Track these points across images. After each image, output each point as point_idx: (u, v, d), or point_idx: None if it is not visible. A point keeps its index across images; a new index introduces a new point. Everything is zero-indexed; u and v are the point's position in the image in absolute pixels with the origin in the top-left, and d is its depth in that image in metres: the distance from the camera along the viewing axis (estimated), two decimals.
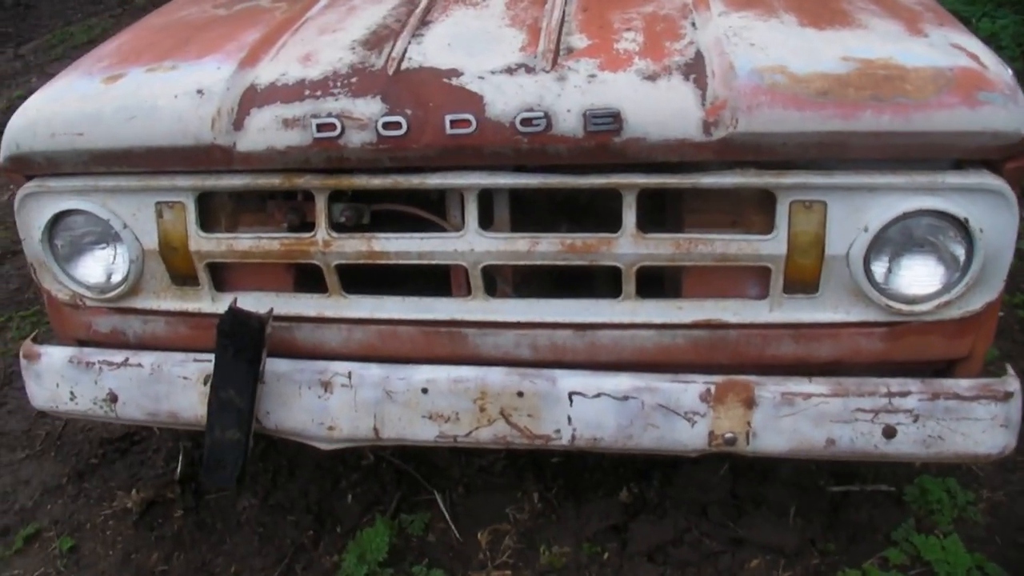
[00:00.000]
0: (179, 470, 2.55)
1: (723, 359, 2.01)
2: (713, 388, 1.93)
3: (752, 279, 1.98)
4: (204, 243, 2.05)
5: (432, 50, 1.98)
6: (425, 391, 2.01)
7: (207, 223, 2.07)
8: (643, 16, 2.06)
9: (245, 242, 2.04)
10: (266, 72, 1.99)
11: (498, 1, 2.22)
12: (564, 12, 2.08)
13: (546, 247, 1.93)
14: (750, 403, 1.93)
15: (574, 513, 2.30)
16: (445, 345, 2.08)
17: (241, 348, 1.97)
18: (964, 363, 1.99)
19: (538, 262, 1.96)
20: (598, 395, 1.98)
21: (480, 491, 2.41)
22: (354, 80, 1.92)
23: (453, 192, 1.99)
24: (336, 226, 2.00)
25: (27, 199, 2.10)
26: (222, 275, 2.14)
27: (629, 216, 1.89)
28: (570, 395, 1.98)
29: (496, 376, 2.00)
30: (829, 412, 1.91)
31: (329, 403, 2.05)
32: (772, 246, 1.87)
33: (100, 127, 1.97)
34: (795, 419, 1.93)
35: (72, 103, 2.03)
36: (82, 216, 2.10)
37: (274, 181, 1.97)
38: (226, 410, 2.02)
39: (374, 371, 2.03)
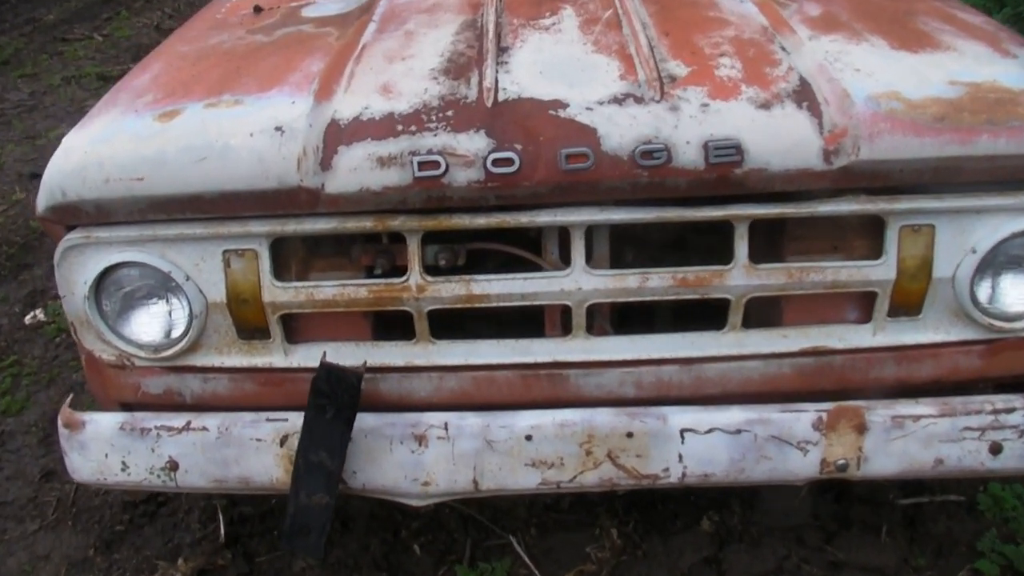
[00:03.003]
0: (222, 532, 2.35)
1: (827, 385, 1.99)
2: (825, 416, 1.91)
3: (852, 303, 1.97)
4: (280, 293, 1.89)
5: (525, 79, 1.88)
6: (529, 438, 1.90)
7: (278, 271, 1.91)
8: (729, 40, 2.02)
9: (327, 291, 1.89)
10: (346, 106, 1.85)
11: (570, 24, 2.13)
12: (648, 37, 2.02)
13: (657, 282, 1.86)
14: (861, 428, 1.91)
15: (661, 548, 2.24)
16: (545, 388, 1.98)
17: (340, 407, 1.82)
18: None
19: (647, 298, 1.89)
20: (710, 430, 1.92)
21: (554, 531, 2.32)
22: (450, 114, 1.80)
23: (551, 229, 1.90)
24: (429, 268, 1.87)
25: (70, 252, 1.89)
26: (293, 326, 1.98)
27: (741, 247, 1.84)
28: (682, 432, 1.92)
29: (604, 418, 1.92)
30: (937, 432, 1.92)
31: (424, 457, 1.93)
32: (881, 271, 1.86)
33: (164, 171, 1.79)
34: (905, 442, 1.92)
35: (126, 144, 1.83)
36: (136, 269, 1.90)
37: (365, 224, 1.83)
38: (314, 473, 1.87)
39: (473, 421, 1.91)
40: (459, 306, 1.89)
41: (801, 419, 1.92)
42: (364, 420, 1.92)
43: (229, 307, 1.91)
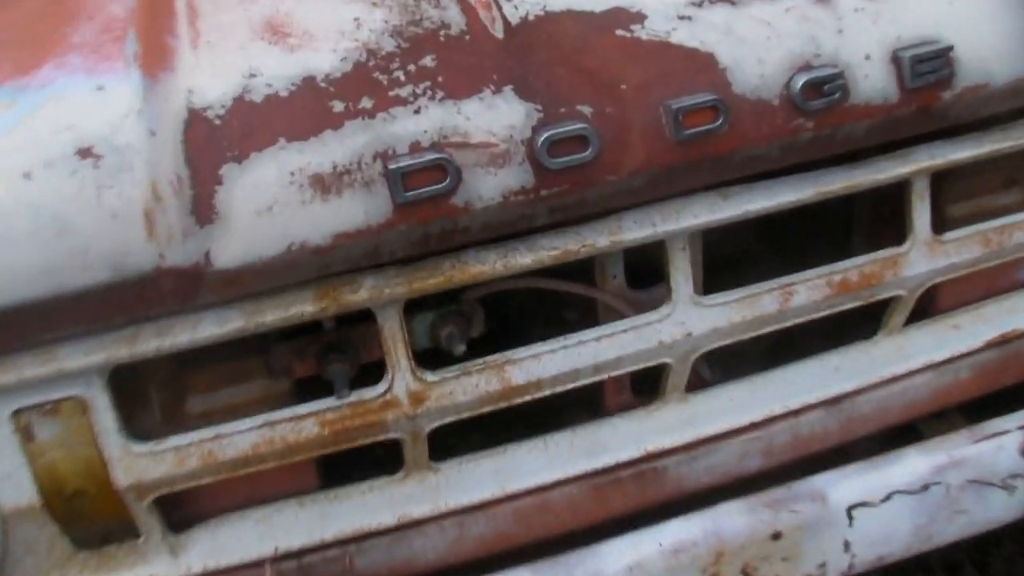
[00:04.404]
0: None
1: (1009, 379, 1.36)
2: None
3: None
4: (145, 465, 0.97)
5: None
6: None
7: (133, 420, 0.98)
8: None
9: (240, 440, 0.98)
10: (209, 77, 0.90)
11: None
12: None
13: (806, 297, 1.12)
14: None
15: None
16: (630, 495, 1.21)
17: None
18: None
19: (786, 325, 1.14)
20: (888, 497, 1.24)
21: None
22: (431, 62, 0.91)
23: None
24: (424, 356, 1.02)
25: None
26: (179, 501, 1.06)
27: (922, 215, 1.13)
28: (849, 511, 1.22)
29: (736, 521, 1.19)
30: None
31: None
32: None
33: None
34: None
35: None
36: None
37: (300, 309, 0.93)
38: None
39: None
40: (485, 411, 1.05)
41: (1005, 446, 1.28)
42: None
43: (49, 509, 0.96)
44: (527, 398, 1.06)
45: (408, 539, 1.12)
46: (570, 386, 1.07)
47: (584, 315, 1.25)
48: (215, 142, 0.86)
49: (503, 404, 1.05)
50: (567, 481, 1.15)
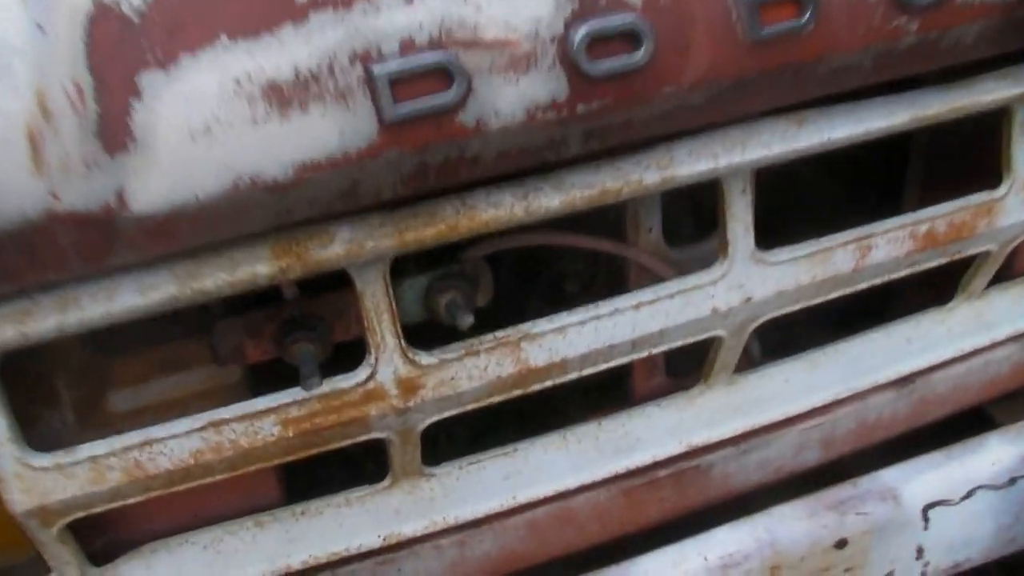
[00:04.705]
0: None
1: None
2: None
3: None
4: (54, 481, 0.73)
5: None
6: None
7: (29, 424, 0.74)
8: None
9: (185, 444, 0.74)
10: None
11: None
12: None
13: (886, 253, 0.90)
14: None
15: None
16: (669, 498, 0.99)
17: None
18: None
19: (862, 286, 0.93)
20: (969, 493, 1.04)
21: None
22: None
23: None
24: (415, 333, 0.79)
25: None
26: (101, 526, 0.83)
27: (1022, 152, 0.92)
28: (925, 511, 1.02)
29: (794, 529, 0.98)
30: None
31: None
32: None
33: None
34: None
35: None
36: None
37: (253, 269, 0.69)
38: None
39: None
40: (493, 401, 0.83)
41: None
42: None
43: None
44: (548, 384, 0.83)
45: (397, 563, 0.90)
46: (602, 367, 0.85)
47: (594, 284, 1.03)
48: (131, 42, 0.62)
49: (517, 392, 0.83)
50: (593, 486, 0.93)
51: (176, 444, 0.74)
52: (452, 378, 0.79)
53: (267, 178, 0.63)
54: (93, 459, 0.73)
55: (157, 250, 0.66)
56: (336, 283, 0.75)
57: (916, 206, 0.93)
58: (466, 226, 0.72)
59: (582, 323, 0.81)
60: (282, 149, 0.63)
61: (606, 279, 1.01)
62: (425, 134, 0.65)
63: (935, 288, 1.08)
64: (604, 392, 1.04)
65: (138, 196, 0.62)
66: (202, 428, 0.74)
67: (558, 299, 1.00)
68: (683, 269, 0.89)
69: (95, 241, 0.63)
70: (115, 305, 0.67)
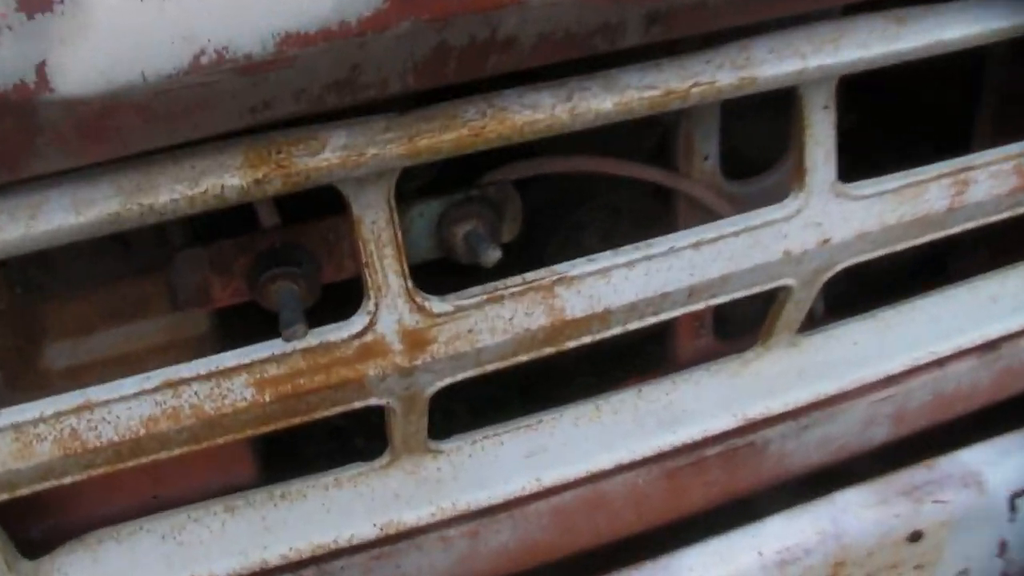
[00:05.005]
0: None
1: None
2: None
3: None
4: None
5: None
6: None
7: None
8: None
9: (136, 408, 0.59)
10: None
11: None
12: None
13: (986, 189, 0.76)
14: None
15: None
16: (717, 480, 0.84)
17: None
18: None
19: (955, 231, 0.78)
20: None
21: None
22: None
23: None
24: (425, 271, 0.64)
25: None
26: (29, 513, 0.67)
27: None
28: (1012, 500, 0.89)
29: (862, 518, 0.84)
30: None
31: None
32: None
33: None
34: None
35: None
36: None
37: (221, 181, 0.53)
38: None
39: None
40: (519, 361, 0.68)
41: None
42: None
43: None
44: (586, 340, 0.68)
45: (395, 558, 0.75)
46: (650, 320, 0.70)
47: (613, 238, 0.87)
48: None
49: (549, 350, 0.68)
50: (630, 466, 0.78)
51: (123, 409, 0.59)
52: (470, 330, 0.64)
53: (239, 52, 0.47)
54: (16, 427, 0.58)
55: (95, 153, 0.50)
56: (327, 207, 0.60)
57: (987, 147, 0.79)
58: (495, 132, 0.56)
59: (630, 265, 0.66)
60: (259, 12, 0.47)
61: (627, 233, 0.86)
62: (447, 1, 0.49)
63: (1002, 247, 0.94)
64: (617, 360, 0.90)
65: (66, 72, 0.46)
66: (156, 389, 0.59)
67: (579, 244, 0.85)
68: (745, 205, 0.74)
69: (8, 134, 0.47)
70: (39, 225, 0.52)
